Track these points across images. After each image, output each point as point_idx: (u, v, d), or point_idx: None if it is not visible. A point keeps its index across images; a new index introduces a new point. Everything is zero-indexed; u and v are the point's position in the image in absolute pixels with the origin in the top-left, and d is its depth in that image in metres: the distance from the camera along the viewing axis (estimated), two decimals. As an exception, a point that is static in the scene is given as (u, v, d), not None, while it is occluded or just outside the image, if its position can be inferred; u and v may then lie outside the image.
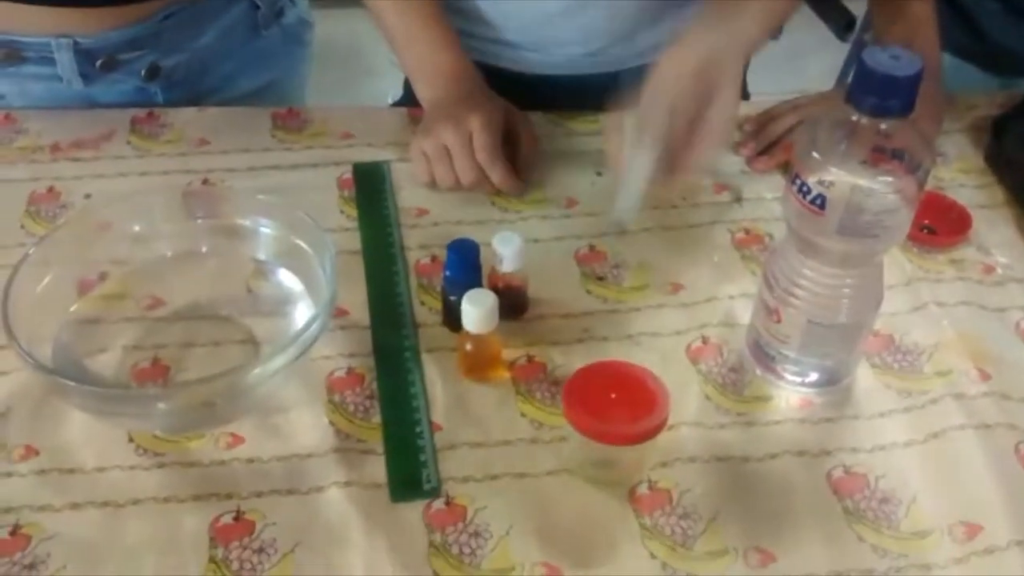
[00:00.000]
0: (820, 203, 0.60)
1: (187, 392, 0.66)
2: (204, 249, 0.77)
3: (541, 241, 0.83)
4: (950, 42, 0.97)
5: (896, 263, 0.81)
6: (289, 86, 1.12)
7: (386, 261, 0.80)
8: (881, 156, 0.59)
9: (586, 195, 0.88)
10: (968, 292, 0.79)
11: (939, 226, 0.83)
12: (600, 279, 0.80)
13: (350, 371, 0.72)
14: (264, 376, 0.64)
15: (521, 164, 0.88)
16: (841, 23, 2.54)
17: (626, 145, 0.77)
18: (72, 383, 0.62)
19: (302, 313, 0.72)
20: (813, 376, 0.70)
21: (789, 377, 0.71)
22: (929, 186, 0.88)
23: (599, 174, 0.90)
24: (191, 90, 1.01)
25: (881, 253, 0.65)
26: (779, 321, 0.67)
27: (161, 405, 0.66)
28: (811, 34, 2.66)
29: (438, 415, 0.69)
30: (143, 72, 0.97)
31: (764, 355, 0.71)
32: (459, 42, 0.90)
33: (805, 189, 0.61)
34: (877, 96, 0.57)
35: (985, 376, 0.72)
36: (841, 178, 0.59)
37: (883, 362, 0.74)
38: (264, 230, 0.76)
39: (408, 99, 1.09)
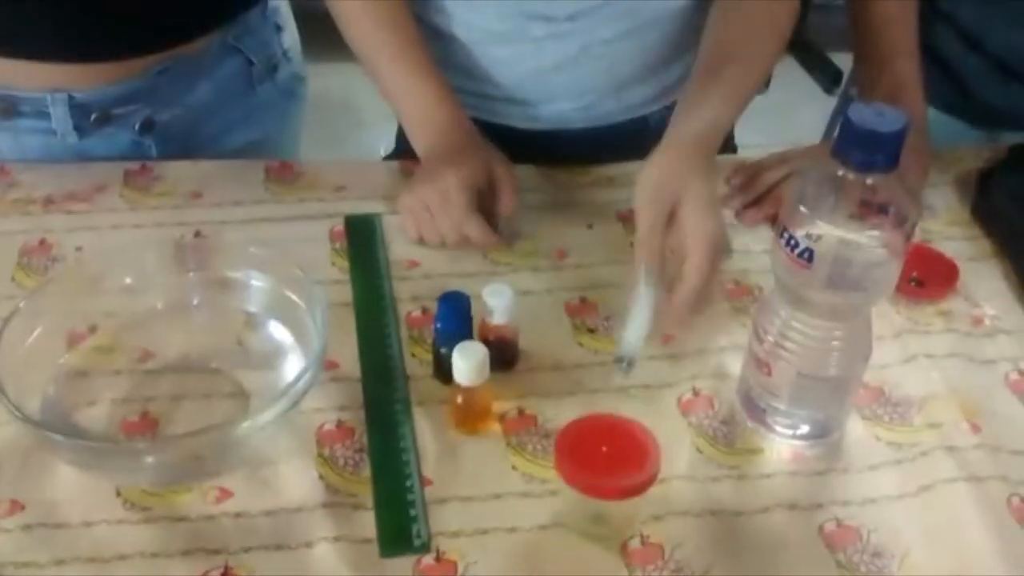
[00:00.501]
0: (808, 256, 0.61)
1: (175, 446, 0.65)
2: (195, 301, 0.78)
3: (532, 293, 0.83)
4: (936, 97, 0.99)
5: (885, 315, 0.81)
6: (282, 139, 1.13)
7: (377, 313, 0.80)
8: (868, 210, 0.59)
9: (577, 247, 0.88)
10: (957, 344, 0.79)
11: (928, 278, 0.84)
12: (591, 331, 0.80)
13: (340, 424, 0.71)
14: (253, 430, 0.64)
15: (497, 218, 0.87)
16: (828, 77, 2.58)
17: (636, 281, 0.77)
18: (60, 437, 0.62)
19: (292, 366, 0.72)
20: (804, 428, 0.70)
21: (780, 429, 0.71)
22: (917, 238, 0.89)
23: (590, 226, 0.91)
24: (185, 144, 1.02)
25: (870, 306, 0.66)
26: (769, 374, 0.68)
27: (149, 459, 0.65)
28: (799, 87, 2.71)
29: (429, 469, 0.69)
30: (137, 126, 0.98)
31: (755, 407, 0.71)
32: (453, 94, 0.91)
33: (793, 243, 0.61)
34: (862, 151, 0.58)
35: (976, 428, 0.72)
36: (829, 232, 0.60)
37: (874, 414, 0.74)
38: (255, 283, 0.76)
39: (401, 151, 1.11)
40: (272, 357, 0.75)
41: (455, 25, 0.96)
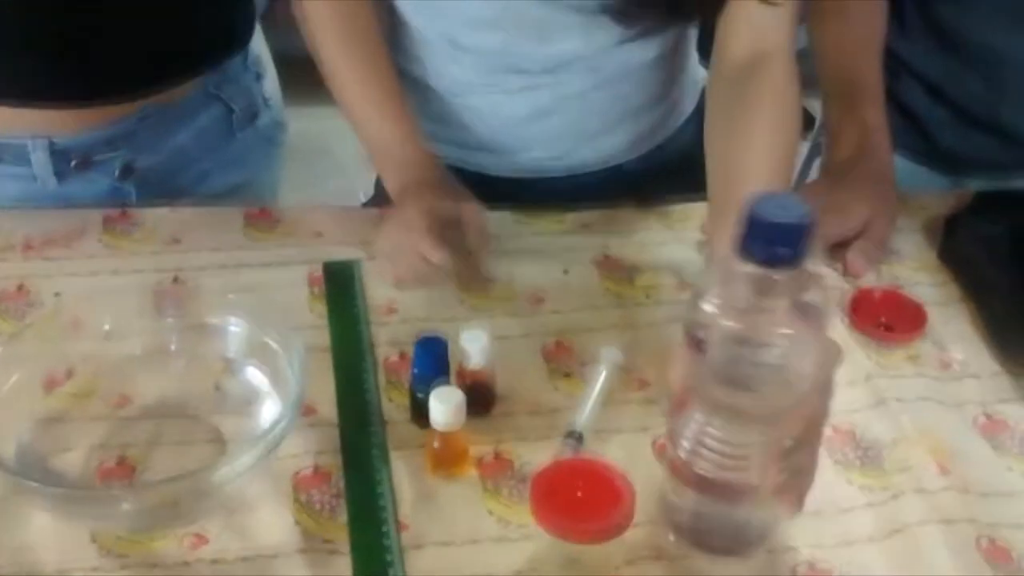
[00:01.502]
0: (700, 346, 0.58)
1: (152, 492, 0.66)
2: (173, 347, 0.78)
3: (509, 338, 0.84)
4: (902, 145, 1.01)
5: (855, 360, 0.82)
6: (261, 185, 1.14)
7: (355, 358, 0.81)
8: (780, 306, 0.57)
9: (553, 292, 0.89)
10: (926, 388, 0.81)
11: (896, 323, 0.85)
12: (567, 375, 0.81)
13: (317, 469, 0.72)
14: (230, 476, 0.64)
15: (474, 258, 0.86)
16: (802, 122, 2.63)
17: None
18: (35, 484, 0.62)
19: (270, 411, 0.73)
20: (726, 541, 0.66)
21: (699, 541, 0.66)
22: (885, 283, 0.91)
23: (566, 272, 0.92)
24: (164, 189, 1.02)
25: (777, 413, 0.61)
26: (683, 479, 0.64)
27: (126, 505, 0.65)
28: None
29: (405, 513, 0.69)
30: (117, 172, 0.99)
31: (675, 521, 0.66)
32: (421, 135, 0.92)
33: (691, 333, 0.59)
34: (766, 245, 0.55)
35: (945, 471, 0.73)
36: (721, 325, 0.58)
37: (845, 458, 0.75)
38: (233, 328, 0.76)
39: (380, 198, 1.12)
40: (249, 403, 0.75)
41: (431, 76, 0.98)
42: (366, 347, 0.82)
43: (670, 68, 1.01)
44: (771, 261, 0.55)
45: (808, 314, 0.58)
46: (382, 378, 0.80)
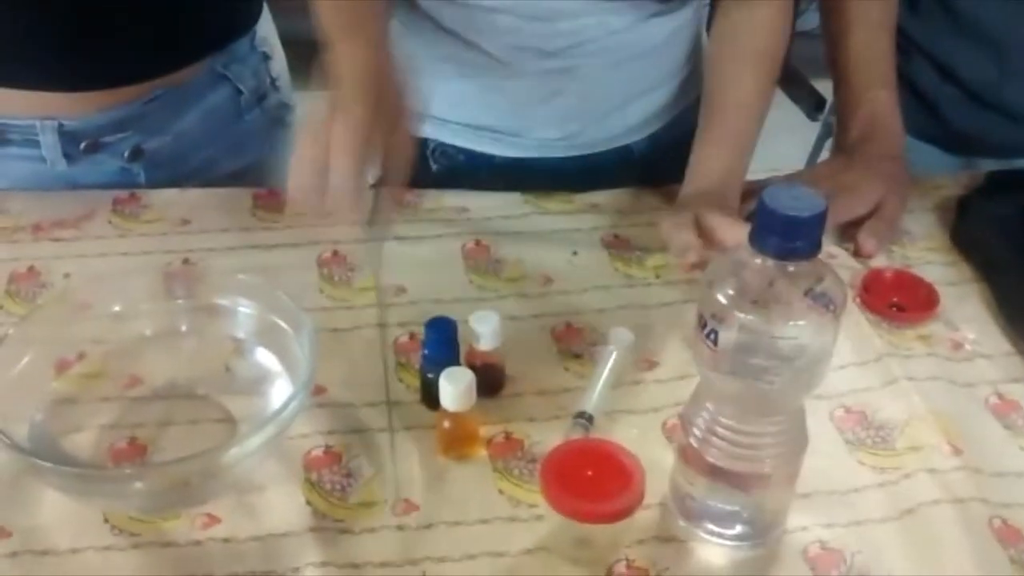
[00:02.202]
0: (713, 339, 0.58)
1: (163, 472, 0.66)
2: (183, 328, 0.78)
3: (518, 319, 0.84)
4: (913, 125, 1.00)
5: (867, 340, 0.82)
6: (270, 167, 1.13)
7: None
8: (796, 298, 0.56)
9: (562, 273, 0.89)
10: (938, 368, 0.80)
11: (908, 303, 0.85)
12: (577, 356, 0.81)
13: (327, 449, 0.72)
14: (241, 456, 0.64)
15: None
16: (811, 104, 2.60)
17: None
18: (48, 464, 0.62)
19: (280, 392, 0.73)
20: (738, 528, 0.66)
21: (712, 528, 0.66)
22: (897, 264, 0.90)
23: (575, 253, 0.92)
24: (173, 171, 1.02)
25: (791, 402, 0.62)
26: (698, 470, 0.64)
27: (137, 485, 0.65)
28: (782, 114, 2.73)
29: (416, 493, 0.69)
30: (126, 154, 0.99)
31: (685, 506, 0.66)
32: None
33: (703, 322, 0.58)
34: (780, 238, 0.54)
35: (957, 451, 0.73)
36: (734, 316, 0.57)
37: (856, 438, 0.74)
38: (243, 309, 0.76)
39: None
40: (260, 383, 0.75)
41: (443, 59, 0.98)
42: (376, 328, 0.82)
43: (681, 47, 1.00)
44: (785, 254, 0.55)
45: (824, 304, 0.57)
46: (392, 359, 0.80)
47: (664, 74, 1.01)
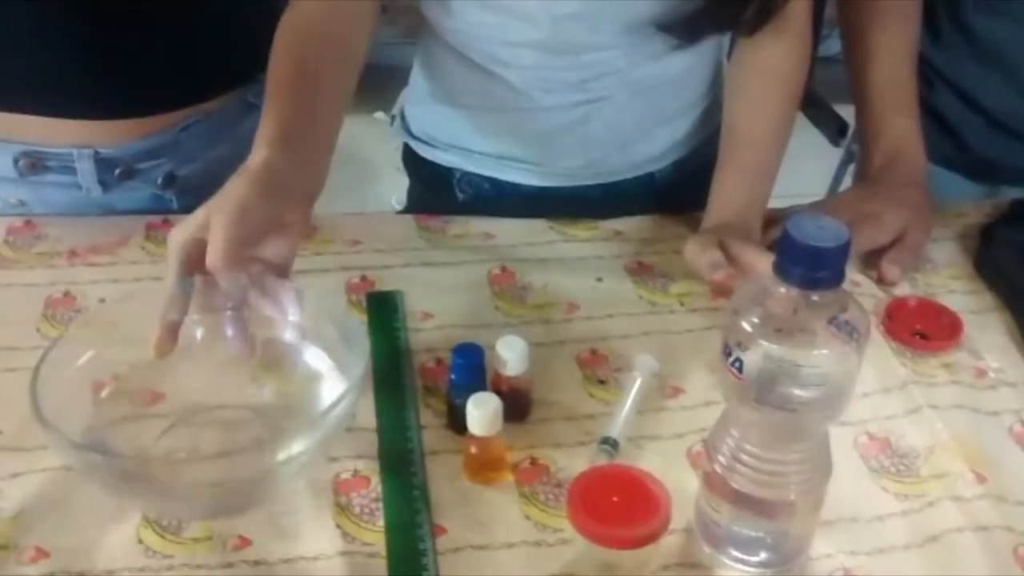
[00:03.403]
0: (739, 367, 0.59)
1: (215, 467, 0.66)
2: (222, 345, 0.76)
3: (544, 345, 0.85)
4: (937, 153, 1.01)
5: (891, 367, 0.83)
6: None
7: (394, 365, 0.82)
8: (819, 327, 0.57)
9: (587, 300, 0.90)
10: (961, 396, 0.81)
11: (931, 331, 0.86)
12: (602, 382, 0.82)
13: (356, 473, 0.73)
14: (291, 457, 0.64)
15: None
16: (834, 129, 2.61)
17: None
18: (99, 456, 0.63)
19: (329, 393, 0.72)
20: (762, 555, 0.66)
21: (736, 554, 0.66)
22: (920, 292, 0.91)
23: (599, 280, 0.93)
24: (204, 196, 1.03)
25: (816, 429, 0.62)
26: (723, 497, 0.64)
27: (188, 483, 0.65)
28: (805, 139, 2.73)
29: (442, 517, 0.70)
30: (159, 180, 1.01)
31: (710, 532, 0.67)
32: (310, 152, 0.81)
33: (728, 350, 0.59)
34: (805, 268, 0.55)
35: (981, 479, 0.74)
36: (758, 345, 0.58)
37: (880, 465, 0.75)
38: (288, 317, 0.74)
39: (415, 205, 1.14)
40: (308, 387, 0.74)
41: (468, 94, 1.00)
42: (404, 354, 0.83)
43: (704, 77, 1.02)
44: (810, 283, 0.56)
45: (847, 333, 0.58)
46: (419, 384, 0.81)
47: (686, 103, 1.02)
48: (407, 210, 1.12)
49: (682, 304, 0.90)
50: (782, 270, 0.57)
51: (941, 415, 0.79)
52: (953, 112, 1.04)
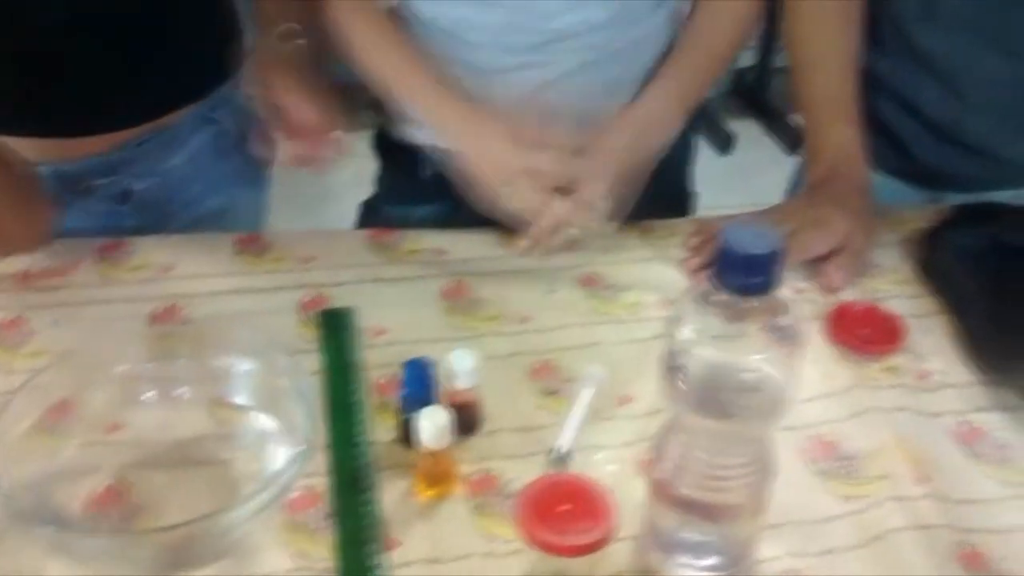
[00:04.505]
0: (681, 375, 0.60)
1: (163, 536, 0.66)
2: (180, 388, 0.78)
3: (496, 357, 0.86)
4: (881, 161, 1.03)
5: (835, 372, 0.84)
6: (252, 206, 1.16)
7: (345, 382, 0.82)
8: (756, 331, 0.58)
9: (539, 311, 0.91)
10: (905, 398, 0.82)
11: (875, 335, 0.87)
12: (553, 393, 0.83)
13: (308, 491, 0.73)
14: (241, 518, 0.65)
15: None
16: (789, 139, 2.66)
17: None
18: (51, 529, 0.64)
19: (277, 452, 0.73)
20: (711, 560, 0.67)
21: (684, 560, 0.67)
22: (865, 297, 0.93)
23: (552, 291, 0.94)
24: (159, 211, 1.05)
25: (757, 434, 0.63)
26: (671, 501, 0.65)
27: (134, 548, 0.66)
28: (761, 149, 2.78)
29: (395, 532, 0.71)
30: (115, 196, 1.01)
31: (659, 538, 0.68)
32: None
33: (669, 358, 0.60)
34: (741, 275, 0.57)
35: (924, 479, 0.75)
36: (700, 352, 0.59)
37: (826, 468, 0.76)
38: (241, 368, 0.77)
39: (367, 221, 1.15)
40: (257, 444, 0.75)
41: (432, 61, 1.02)
42: (356, 370, 0.84)
43: (660, 46, 1.04)
44: (744, 290, 0.57)
45: (784, 337, 0.59)
46: (371, 400, 0.81)
47: (644, 73, 1.04)
48: (375, 195, 1.15)
49: (632, 314, 0.91)
50: (719, 277, 0.58)
51: (885, 417, 0.80)
52: (896, 120, 1.06)
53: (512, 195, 0.93)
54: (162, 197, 1.05)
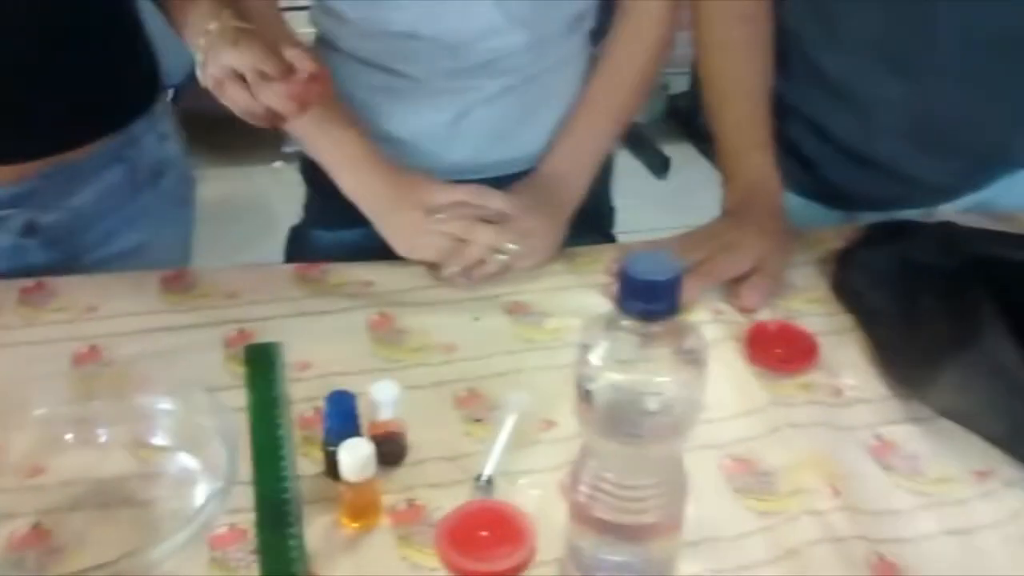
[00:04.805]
0: (587, 398, 0.61)
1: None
2: (100, 428, 0.78)
3: (422, 387, 0.87)
4: (794, 183, 1.07)
5: (751, 391, 0.87)
6: (170, 244, 1.16)
7: (270, 417, 0.83)
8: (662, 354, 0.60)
9: (464, 340, 0.92)
10: (820, 414, 0.85)
11: (790, 353, 0.90)
12: (478, 421, 0.84)
13: (232, 527, 0.73)
14: (162, 556, 0.65)
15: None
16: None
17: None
18: None
19: (199, 491, 0.74)
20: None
21: None
22: (780, 316, 0.95)
23: (476, 319, 0.95)
24: (69, 247, 1.04)
25: (667, 456, 0.64)
26: (588, 525, 0.66)
27: None
28: (697, 173, 2.83)
29: (320, 566, 0.71)
30: (19, 229, 1.00)
31: (580, 560, 0.68)
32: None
33: (579, 384, 0.62)
34: (642, 301, 0.58)
35: (837, 492, 0.77)
36: (606, 376, 0.61)
37: (743, 485, 0.78)
38: (162, 407, 0.78)
39: (294, 256, 1.15)
40: (178, 483, 0.76)
41: (356, 85, 1.05)
42: (282, 406, 0.84)
43: (578, 67, 1.07)
44: (646, 315, 0.59)
45: (690, 360, 0.61)
46: (298, 434, 0.82)
47: (567, 93, 1.08)
48: (303, 221, 1.17)
49: (556, 340, 0.93)
50: (622, 303, 0.60)
51: (801, 433, 0.83)
52: (806, 143, 1.09)
53: (436, 229, 0.95)
54: (72, 232, 1.04)
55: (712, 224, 1.03)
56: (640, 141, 2.78)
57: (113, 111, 1.05)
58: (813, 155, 1.10)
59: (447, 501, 0.76)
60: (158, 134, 1.11)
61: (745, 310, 0.95)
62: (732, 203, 1.00)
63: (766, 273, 0.96)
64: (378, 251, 1.01)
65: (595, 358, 0.61)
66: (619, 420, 0.62)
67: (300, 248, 1.19)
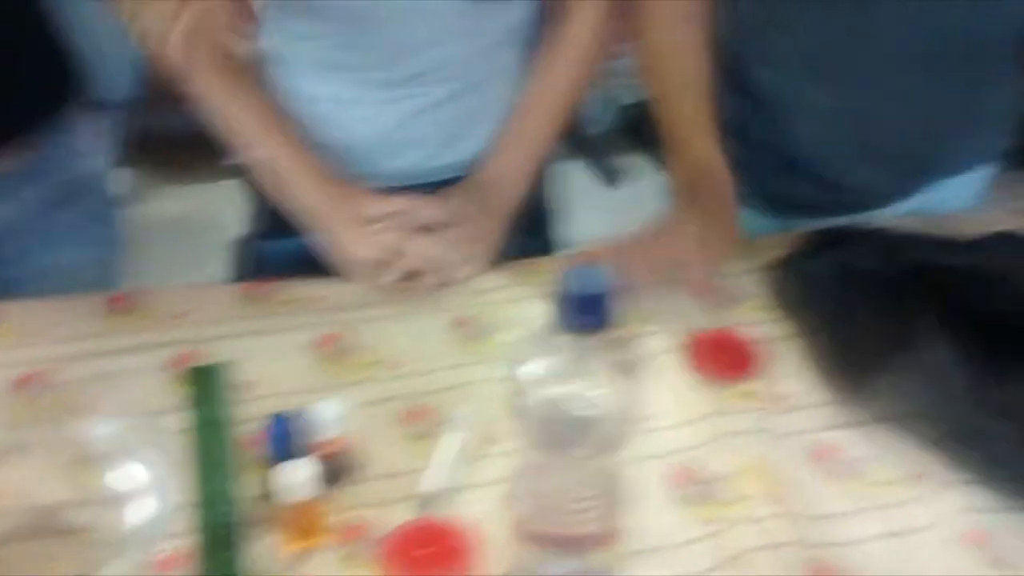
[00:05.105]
0: (524, 413, 0.63)
1: None
2: (38, 453, 0.77)
3: (369, 404, 0.87)
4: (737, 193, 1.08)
5: (693, 400, 0.88)
6: (92, 265, 1.14)
7: (213, 439, 0.82)
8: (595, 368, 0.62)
9: (412, 356, 0.93)
10: (761, 421, 0.86)
11: (732, 361, 0.91)
12: (424, 437, 0.84)
13: (176, 551, 0.73)
14: None
15: None
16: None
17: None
18: None
19: (139, 514, 0.73)
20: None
21: None
22: (722, 324, 0.96)
23: (424, 335, 0.95)
24: None
25: (603, 465, 0.66)
26: (532, 535, 0.68)
27: None
28: (647, 183, 2.85)
29: (265, 586, 0.71)
30: None
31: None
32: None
33: (517, 399, 0.63)
34: (576, 315, 0.60)
35: (776, 498, 0.79)
36: (539, 390, 0.62)
37: (686, 494, 0.79)
38: (102, 431, 0.77)
39: (240, 269, 1.15)
40: (121, 504, 0.75)
41: (300, 96, 1.05)
42: (225, 427, 0.84)
43: (514, 78, 1.08)
44: (580, 328, 0.60)
45: (625, 371, 0.62)
46: (243, 455, 0.81)
47: (509, 98, 1.09)
48: (247, 232, 1.17)
49: (502, 352, 0.93)
50: (558, 318, 0.61)
51: (743, 441, 0.84)
52: (743, 154, 1.11)
53: (372, 241, 0.96)
54: None
55: (644, 234, 1.02)
56: (592, 151, 2.80)
57: (22, 125, 1.02)
58: (750, 165, 1.11)
59: (392, 519, 0.76)
60: (72, 151, 1.09)
61: (692, 295, 0.96)
62: (679, 183, 1.01)
63: (703, 261, 0.95)
64: (324, 260, 1.02)
65: (530, 372, 0.62)
66: (553, 433, 0.62)
67: (246, 260, 1.19)
